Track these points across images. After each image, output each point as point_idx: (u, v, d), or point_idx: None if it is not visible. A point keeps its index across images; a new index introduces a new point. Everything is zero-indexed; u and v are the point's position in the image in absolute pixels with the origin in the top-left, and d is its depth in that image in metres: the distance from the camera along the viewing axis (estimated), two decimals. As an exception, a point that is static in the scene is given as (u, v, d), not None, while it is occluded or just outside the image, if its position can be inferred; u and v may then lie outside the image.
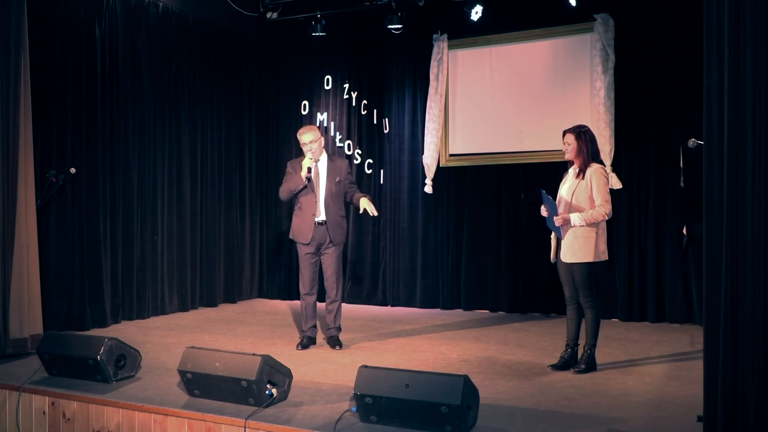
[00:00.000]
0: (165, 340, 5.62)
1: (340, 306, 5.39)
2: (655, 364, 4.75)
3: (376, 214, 5.26)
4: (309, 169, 5.13)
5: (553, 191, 4.65)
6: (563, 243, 4.49)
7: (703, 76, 3.03)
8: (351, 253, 7.74)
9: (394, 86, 7.67)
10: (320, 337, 5.51)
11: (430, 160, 7.34)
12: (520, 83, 7.08)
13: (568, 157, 4.56)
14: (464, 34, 7.23)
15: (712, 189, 2.99)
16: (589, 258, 4.42)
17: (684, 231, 6.28)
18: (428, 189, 7.39)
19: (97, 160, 6.18)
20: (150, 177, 6.77)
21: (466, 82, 7.34)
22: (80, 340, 4.33)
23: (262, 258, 8.30)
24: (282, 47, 8.17)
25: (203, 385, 3.79)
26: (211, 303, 7.55)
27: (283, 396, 3.78)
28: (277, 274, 8.23)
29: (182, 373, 3.84)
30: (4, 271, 4.92)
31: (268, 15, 7.54)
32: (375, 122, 7.78)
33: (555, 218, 4.44)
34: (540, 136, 6.86)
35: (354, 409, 3.49)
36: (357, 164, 7.80)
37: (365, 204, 5.21)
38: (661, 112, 6.43)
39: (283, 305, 7.71)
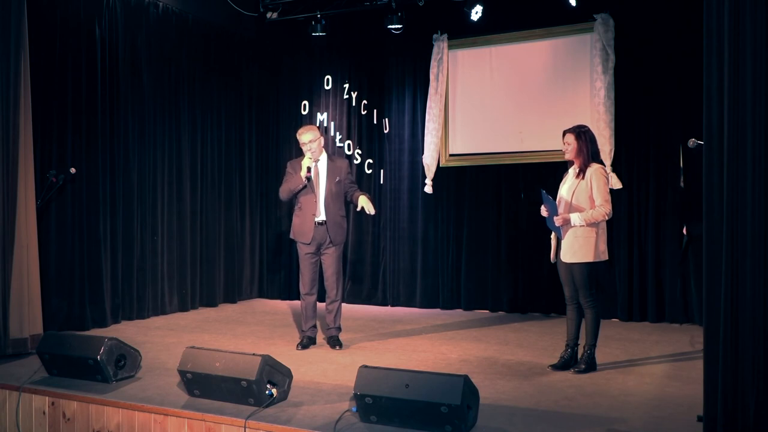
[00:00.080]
0: (165, 340, 5.62)
1: (340, 306, 5.39)
2: (655, 364, 4.75)
3: (373, 212, 5.24)
4: (309, 169, 5.13)
5: (553, 191, 4.65)
6: (563, 243, 4.49)
7: (703, 76, 3.03)
8: (351, 253, 7.74)
9: (394, 86, 7.67)
10: (320, 337, 5.51)
11: (430, 160, 7.34)
12: (520, 83, 7.08)
13: (568, 157, 4.56)
14: (464, 34, 7.23)
15: (712, 189, 2.99)
16: (589, 258, 4.42)
17: (684, 231, 6.28)
18: (428, 189, 7.39)
19: (97, 160, 6.18)
20: (150, 177, 6.77)
21: (466, 82, 7.34)
22: (80, 340, 4.33)
23: (262, 258, 8.30)
24: (282, 47, 8.17)
25: (203, 385, 3.79)
26: (211, 303, 7.55)
27: (283, 396, 3.78)
28: (277, 274, 8.23)
29: (182, 373, 3.84)
30: (4, 271, 4.92)
31: (268, 15, 7.54)
32: (375, 122, 7.78)
33: (555, 218, 4.44)
34: (540, 136, 6.86)
35: (354, 409, 3.49)
36: (357, 164, 7.80)
37: (363, 202, 5.21)
38: (661, 112, 6.43)
39: (283, 305, 7.71)
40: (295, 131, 5.48)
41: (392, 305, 7.61)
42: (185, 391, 3.94)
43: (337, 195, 5.28)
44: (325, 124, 7.97)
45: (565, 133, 4.55)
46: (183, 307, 7.16)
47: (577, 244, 4.43)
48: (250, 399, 3.65)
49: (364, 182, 7.69)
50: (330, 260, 5.28)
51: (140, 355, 4.46)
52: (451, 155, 7.39)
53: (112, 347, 4.21)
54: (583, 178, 4.47)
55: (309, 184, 5.20)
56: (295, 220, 5.34)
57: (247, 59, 8.12)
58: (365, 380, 3.41)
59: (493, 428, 3.37)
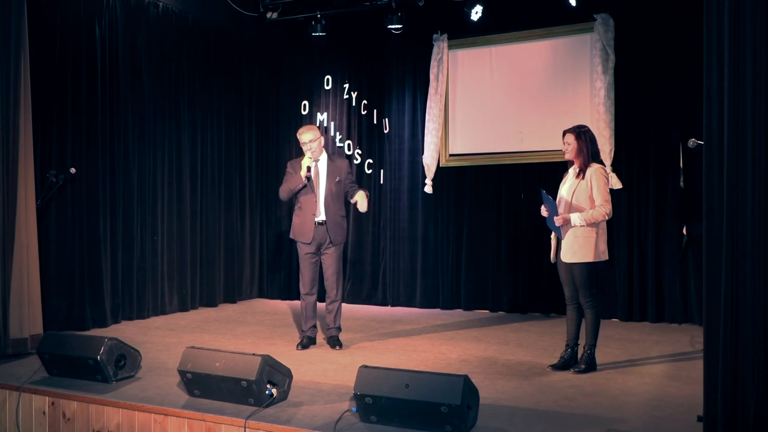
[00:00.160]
0: (165, 340, 5.62)
1: (340, 306, 5.38)
2: (655, 364, 4.75)
3: (365, 209, 5.20)
4: (308, 169, 5.13)
5: (553, 191, 4.65)
6: (563, 243, 4.49)
7: (703, 76, 3.03)
8: (351, 253, 7.74)
9: (394, 86, 7.67)
10: (320, 337, 5.51)
11: (430, 160, 7.34)
12: (520, 83, 7.08)
13: (568, 157, 4.56)
14: (464, 34, 7.23)
15: (712, 189, 2.99)
16: (589, 258, 4.42)
17: (684, 231, 6.28)
18: (428, 189, 7.39)
19: (97, 160, 6.18)
20: (150, 177, 6.77)
21: (466, 82, 7.34)
22: (80, 340, 4.33)
23: (262, 258, 8.30)
24: (282, 47, 8.17)
25: (203, 385, 3.79)
26: (211, 303, 7.55)
27: (283, 396, 3.78)
28: (277, 274, 8.23)
29: (182, 373, 3.84)
30: (4, 271, 4.92)
31: (268, 15, 7.55)
32: (375, 122, 7.78)
33: (555, 218, 4.44)
34: (540, 136, 6.86)
35: (354, 409, 3.49)
36: (357, 164, 7.80)
37: (359, 197, 5.17)
38: (661, 112, 6.43)
39: (283, 305, 7.71)
40: (295, 131, 5.48)
41: (392, 305, 7.61)
42: (185, 391, 3.94)
43: (337, 195, 5.28)
44: (325, 124, 7.97)
45: (565, 133, 4.55)
46: (183, 307, 7.16)
47: (577, 244, 4.43)
48: (250, 399, 3.65)
49: (364, 182, 7.69)
50: (330, 260, 5.28)
51: (140, 355, 4.46)
52: (451, 155, 7.39)
53: (112, 347, 4.21)
54: (583, 178, 4.47)
55: (309, 184, 5.20)
56: (295, 219, 5.34)
57: (247, 59, 8.12)
58: (365, 380, 3.40)
59: (493, 428, 3.37)
